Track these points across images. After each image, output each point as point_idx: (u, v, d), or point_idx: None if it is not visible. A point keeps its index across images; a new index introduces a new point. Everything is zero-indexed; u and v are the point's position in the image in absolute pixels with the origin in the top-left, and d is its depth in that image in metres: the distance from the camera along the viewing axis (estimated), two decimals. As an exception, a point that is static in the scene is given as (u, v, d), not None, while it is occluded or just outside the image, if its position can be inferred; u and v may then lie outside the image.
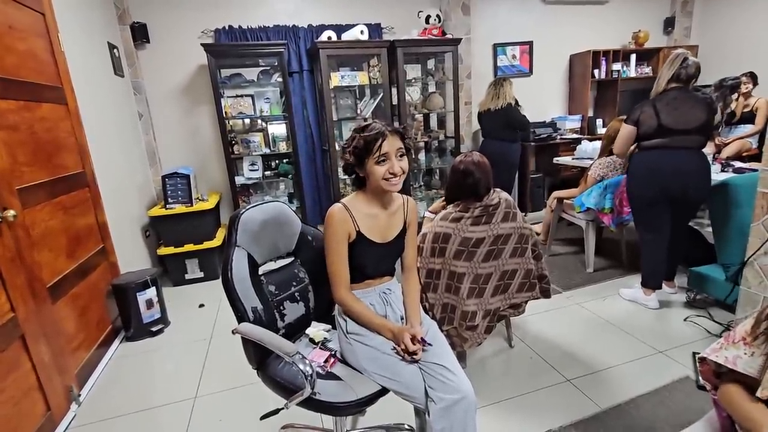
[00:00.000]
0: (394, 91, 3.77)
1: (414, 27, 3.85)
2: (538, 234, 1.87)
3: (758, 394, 0.78)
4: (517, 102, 3.60)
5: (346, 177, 1.32)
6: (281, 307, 1.34)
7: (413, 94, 4.08)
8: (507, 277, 1.81)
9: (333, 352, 1.29)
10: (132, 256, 2.88)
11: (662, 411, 1.58)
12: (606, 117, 4.71)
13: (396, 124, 1.25)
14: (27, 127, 1.85)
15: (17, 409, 1.51)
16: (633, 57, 4.67)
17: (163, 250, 3.16)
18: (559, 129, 4.60)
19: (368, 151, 1.18)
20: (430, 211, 2.01)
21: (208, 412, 1.78)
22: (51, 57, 2.14)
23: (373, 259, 1.29)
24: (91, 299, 2.22)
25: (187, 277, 3.25)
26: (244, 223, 1.27)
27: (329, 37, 3.48)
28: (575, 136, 4.52)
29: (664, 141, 2.11)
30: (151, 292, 2.47)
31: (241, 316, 1.19)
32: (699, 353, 1.93)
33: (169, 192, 3.17)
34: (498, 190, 1.79)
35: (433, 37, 3.73)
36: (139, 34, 3.33)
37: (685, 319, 2.22)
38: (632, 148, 2.29)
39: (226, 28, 3.55)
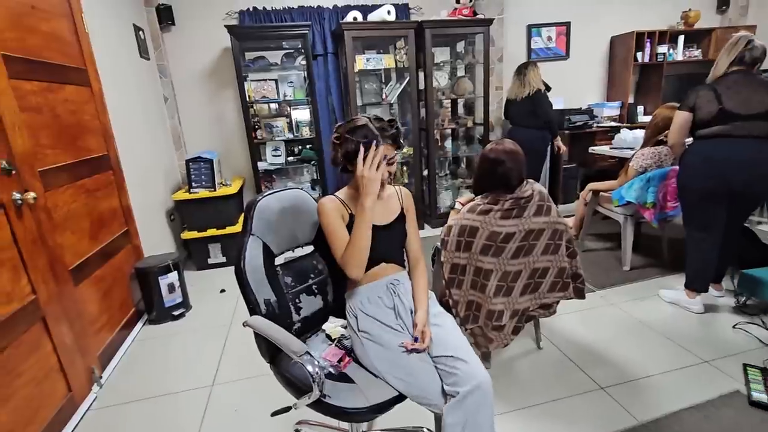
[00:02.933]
0: (421, 75, 3.62)
1: (443, 7, 3.68)
2: (570, 228, 1.73)
3: None
4: (547, 87, 3.39)
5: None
6: (297, 300, 1.27)
7: (441, 78, 3.91)
8: (538, 275, 1.68)
9: (348, 351, 1.22)
10: (157, 239, 2.90)
11: (709, 428, 1.44)
12: (648, 104, 4.40)
13: (408, 119, 1.16)
14: (50, 109, 1.84)
15: (39, 390, 1.52)
16: (681, 39, 4.31)
17: (187, 234, 3.17)
18: (596, 116, 4.33)
19: (358, 155, 1.12)
20: (460, 202, 1.89)
21: (223, 402, 1.76)
22: (75, 38, 2.12)
23: (372, 243, 1.18)
24: (114, 282, 2.24)
25: (210, 261, 3.26)
26: (260, 210, 1.20)
27: (355, 18, 3.35)
28: (613, 124, 4.25)
29: (726, 128, 1.89)
30: (173, 276, 2.47)
31: (253, 308, 1.13)
32: (751, 364, 1.77)
33: (192, 176, 3.16)
34: (531, 181, 1.66)
35: (464, 18, 3.54)
36: (165, 16, 3.30)
37: (734, 326, 2.03)
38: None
39: (251, 9, 3.48)
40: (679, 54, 4.33)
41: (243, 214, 1.19)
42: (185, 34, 3.46)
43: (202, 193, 3.14)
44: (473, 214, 1.62)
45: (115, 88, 2.50)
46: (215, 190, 3.18)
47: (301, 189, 1.35)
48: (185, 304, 2.58)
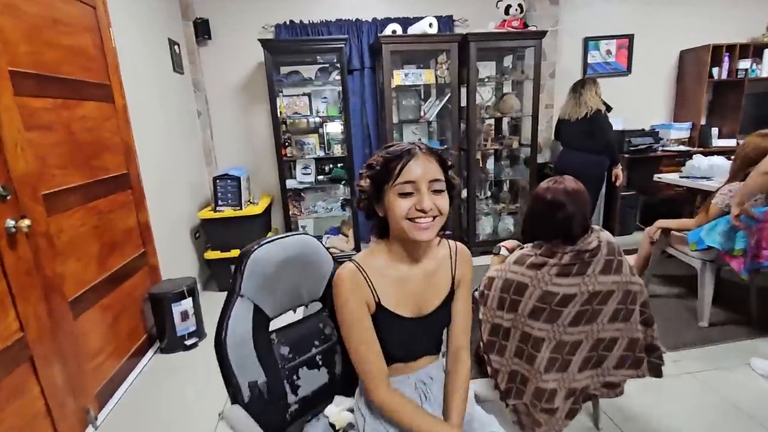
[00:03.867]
0: (463, 91, 3.35)
1: (491, 19, 3.39)
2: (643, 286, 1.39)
3: None
4: (608, 107, 3.00)
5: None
6: (294, 377, 1.02)
7: (485, 94, 3.62)
8: (603, 347, 1.34)
9: (356, 451, 0.95)
10: (179, 258, 2.79)
11: None
12: (724, 126, 3.87)
13: (448, 137, 0.88)
14: (63, 127, 1.73)
15: (18, 440, 1.37)
16: (767, 52, 3.76)
17: (210, 254, 3.04)
18: (662, 139, 3.85)
19: (387, 176, 0.83)
20: (505, 247, 1.59)
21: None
22: (100, 53, 2.04)
23: (401, 340, 0.92)
24: (123, 308, 2.10)
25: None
26: (254, 263, 0.96)
27: (394, 31, 3.14)
28: (682, 148, 3.75)
29: None
30: (186, 304, 2.32)
31: (234, 393, 0.89)
32: None
33: (219, 194, 3.05)
34: (598, 228, 1.33)
35: (513, 30, 3.24)
36: (201, 30, 3.25)
37: None
38: None
39: (287, 23, 3.37)
40: (764, 70, 3.78)
41: (233, 269, 0.96)
42: (221, 48, 3.39)
43: (227, 212, 3.01)
44: (522, 267, 1.32)
45: (143, 103, 2.42)
46: (241, 209, 3.04)
47: (307, 234, 1.11)
48: (199, 333, 2.42)
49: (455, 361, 0.99)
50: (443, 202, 0.84)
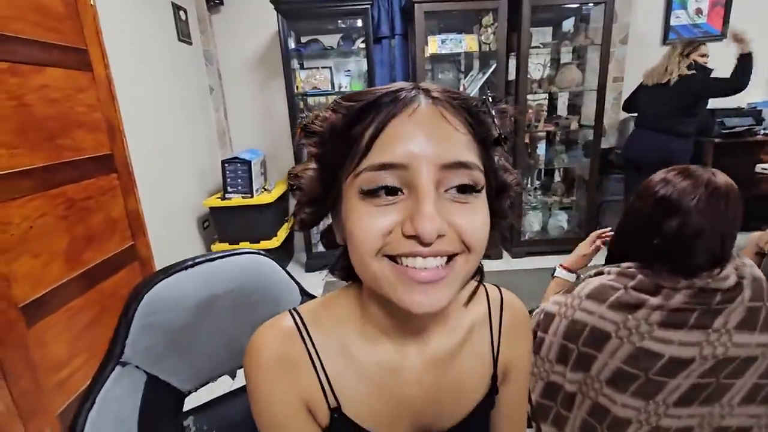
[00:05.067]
0: (512, 62, 2.80)
1: (550, -28, 2.78)
2: None
3: None
4: (704, 70, 2.36)
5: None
6: (223, 487, 0.63)
7: (537, 67, 3.03)
8: (725, 441, 0.85)
9: None
10: (184, 250, 2.52)
11: None
12: None
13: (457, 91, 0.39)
14: (10, 97, 1.41)
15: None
16: None
17: (218, 247, 2.75)
18: (764, 120, 3.09)
19: (345, 152, 0.39)
20: (564, 267, 1.11)
21: None
22: (71, 10, 1.71)
23: None
24: (103, 311, 1.82)
25: (241, 278, 2.83)
26: (151, 310, 0.58)
27: (430, -13, 2.63)
28: (793, 131, 2.99)
29: None
30: (178, 306, 2.02)
31: None
32: None
33: (228, 179, 2.73)
34: (740, 256, 0.83)
35: (579, -17, 2.63)
36: (212, -6, 2.90)
37: None
38: None
39: (308, -17, 2.94)
40: None
41: (115, 327, 0.58)
42: (236, 16, 3.03)
43: (236, 200, 2.69)
44: (602, 307, 0.85)
45: (136, 75, 2.12)
46: (252, 197, 2.71)
47: (257, 252, 0.70)
48: (194, 338, 2.13)
49: None
50: (475, 219, 0.38)
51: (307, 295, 0.73)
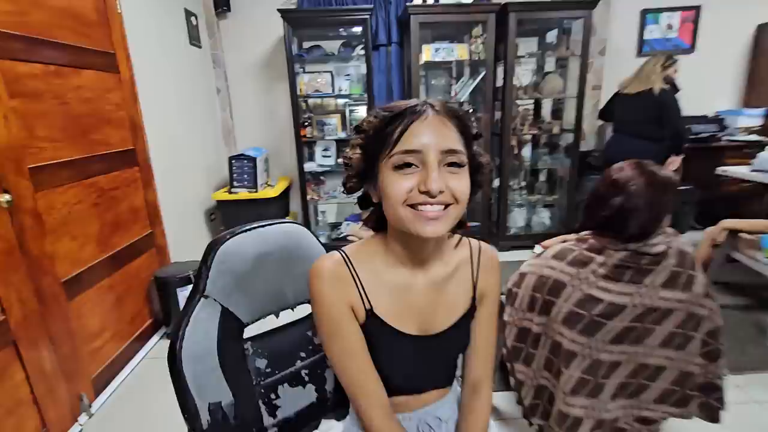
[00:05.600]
0: (499, 70, 3.04)
1: (535, -13, 3.03)
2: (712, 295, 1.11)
3: None
4: (674, 86, 2.60)
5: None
6: (272, 395, 0.84)
7: (524, 74, 3.28)
8: (645, 375, 1.08)
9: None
10: (192, 240, 2.69)
11: None
12: (806, 113, 3.35)
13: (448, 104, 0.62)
14: (54, 96, 1.60)
15: (-3, 429, 1.28)
16: None
17: (224, 237, 2.93)
18: (728, 127, 3.38)
19: (383, 142, 0.60)
20: (543, 246, 1.34)
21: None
22: (102, 17, 1.90)
23: (401, 364, 0.70)
24: (127, 290, 2.01)
25: (246, 267, 3.01)
26: (224, 257, 0.78)
27: (424, 0, 2.86)
28: (753, 137, 3.28)
29: None
30: (193, 288, 2.21)
31: (191, 419, 0.71)
32: None
33: (235, 175, 2.92)
34: (671, 232, 1.06)
35: (560, -1, 2.88)
36: (220, 1, 3.08)
37: None
38: None
39: (311, -7, 3.15)
40: None
41: (199, 265, 0.78)
42: (242, 22, 3.23)
43: (242, 194, 2.88)
44: (562, 263, 1.08)
45: (154, 76, 2.29)
46: (257, 191, 2.90)
47: (296, 222, 0.91)
48: (206, 319, 2.31)
49: (473, 397, 0.77)
50: (461, 184, 0.60)
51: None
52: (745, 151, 3.14)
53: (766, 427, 1.50)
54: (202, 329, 0.74)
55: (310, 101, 3.25)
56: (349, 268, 0.67)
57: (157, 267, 2.25)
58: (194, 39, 2.88)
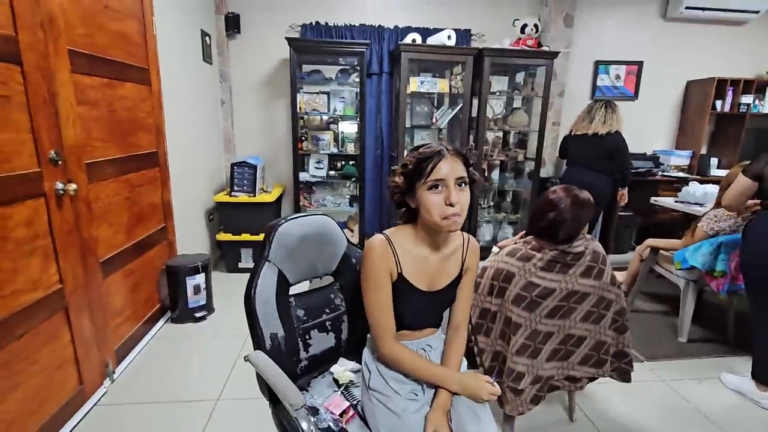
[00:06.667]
0: (475, 102, 3.51)
1: (507, 36, 3.56)
2: (620, 285, 1.52)
3: None
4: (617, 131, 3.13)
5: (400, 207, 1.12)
6: (307, 336, 1.18)
7: (495, 107, 3.78)
8: (571, 342, 1.49)
9: (354, 403, 1.10)
10: (193, 237, 2.95)
11: None
12: (723, 157, 4.01)
13: (457, 145, 1.03)
14: (106, 104, 1.90)
15: (49, 380, 1.52)
16: (770, 90, 3.91)
17: (222, 236, 3.21)
18: (662, 164, 3.99)
19: (420, 174, 0.97)
20: (499, 246, 1.74)
21: (225, 421, 1.69)
22: (142, 39, 2.21)
23: (414, 309, 1.08)
24: (143, 276, 2.26)
25: (240, 265, 3.28)
26: (281, 236, 1.12)
27: (414, 40, 3.31)
28: (681, 174, 3.90)
29: None
30: (200, 278, 2.48)
31: (258, 341, 1.04)
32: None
33: (236, 180, 3.21)
34: (590, 238, 1.48)
35: (528, 48, 3.40)
36: (232, 23, 3.43)
37: (814, 434, 1.71)
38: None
39: (313, 23, 3.54)
40: (766, 106, 3.92)
41: (263, 238, 1.12)
42: (249, 43, 3.57)
43: (242, 197, 3.17)
44: (512, 259, 1.47)
45: (174, 88, 2.59)
46: (255, 196, 3.20)
47: (328, 216, 1.26)
48: (208, 307, 2.57)
49: (455, 334, 1.15)
50: (466, 197, 0.98)
51: (349, 242, 1.30)
52: (675, 186, 3.72)
53: (671, 398, 1.93)
54: (266, 282, 1.08)
55: (307, 118, 3.61)
56: (390, 245, 1.04)
57: (167, 258, 2.51)
58: (207, 56, 3.20)
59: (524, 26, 3.42)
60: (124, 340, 2.04)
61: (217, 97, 3.51)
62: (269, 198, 3.23)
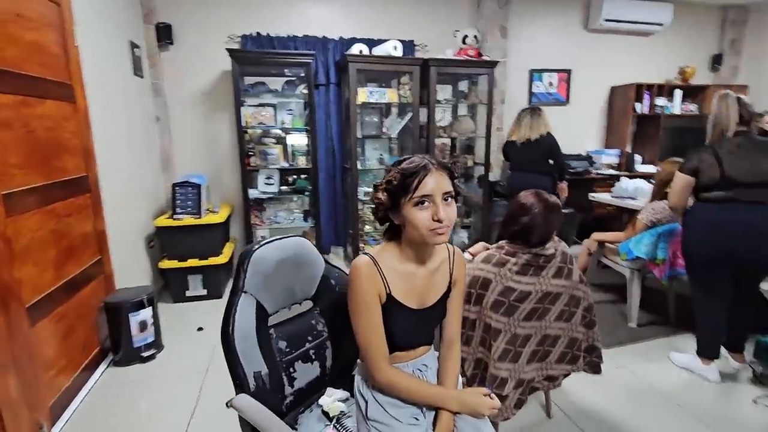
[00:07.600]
0: (423, 111, 3.56)
1: (449, 46, 3.67)
2: (587, 282, 1.61)
3: None
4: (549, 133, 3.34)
5: (378, 222, 1.06)
6: (291, 369, 1.08)
7: (443, 116, 3.87)
8: (548, 343, 1.52)
9: (350, 436, 1.02)
10: (132, 267, 2.66)
11: None
12: (646, 154, 4.43)
13: (440, 158, 1.00)
14: (23, 125, 1.65)
15: (-33, 457, 1.27)
16: (678, 93, 4.40)
17: (166, 264, 2.93)
18: (595, 163, 4.32)
19: (405, 190, 0.92)
20: (470, 253, 1.75)
21: (192, 472, 1.51)
22: (62, 50, 1.97)
23: (405, 329, 1.02)
24: (78, 318, 1.99)
25: (188, 294, 3.01)
26: (256, 262, 1.02)
27: (360, 51, 3.30)
28: (612, 171, 4.24)
29: (729, 194, 1.83)
30: (145, 313, 2.23)
31: (240, 383, 0.93)
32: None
33: (178, 201, 2.96)
34: (558, 239, 1.52)
35: (470, 58, 3.53)
36: (163, 34, 3.19)
37: (754, 401, 1.89)
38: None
39: (254, 34, 3.41)
40: (676, 107, 4.41)
41: (236, 268, 1.01)
42: (183, 55, 3.34)
43: (187, 219, 2.93)
44: (488, 265, 1.48)
45: (102, 105, 2.33)
46: (200, 217, 2.98)
47: (302, 236, 1.18)
48: (157, 344, 2.32)
49: (449, 350, 1.11)
50: (453, 211, 0.94)
51: (326, 263, 1.22)
52: (608, 182, 4.04)
53: (627, 382, 2.05)
54: (244, 316, 0.97)
55: (253, 132, 3.44)
56: (376, 266, 0.97)
57: (104, 294, 2.23)
58: (138, 69, 2.94)
59: (465, 37, 3.55)
60: (59, 395, 1.76)
61: (152, 113, 3.24)
62: (217, 218, 3.02)
